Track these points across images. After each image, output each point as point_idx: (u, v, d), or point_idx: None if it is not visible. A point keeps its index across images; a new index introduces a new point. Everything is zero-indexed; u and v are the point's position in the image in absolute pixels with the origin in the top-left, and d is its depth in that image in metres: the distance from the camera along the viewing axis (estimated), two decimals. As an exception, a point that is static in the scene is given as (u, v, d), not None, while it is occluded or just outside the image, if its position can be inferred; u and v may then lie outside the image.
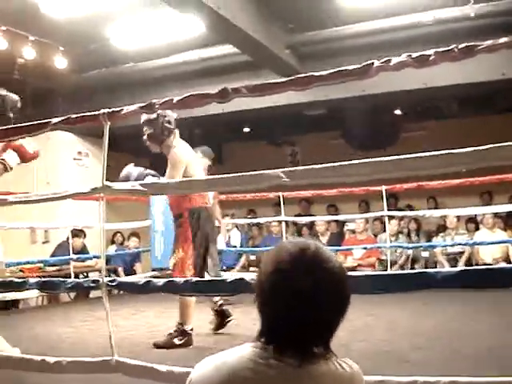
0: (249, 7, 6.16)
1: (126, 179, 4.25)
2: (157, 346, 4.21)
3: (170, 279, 2.64)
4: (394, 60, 2.44)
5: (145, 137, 4.53)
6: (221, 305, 4.72)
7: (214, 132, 9.94)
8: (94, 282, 2.79)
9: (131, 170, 4.45)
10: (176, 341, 4.23)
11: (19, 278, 3.95)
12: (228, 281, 2.51)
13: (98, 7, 6.38)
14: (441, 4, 6.38)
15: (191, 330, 4.31)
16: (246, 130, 9.83)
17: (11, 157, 4.04)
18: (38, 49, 7.21)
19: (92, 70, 8.04)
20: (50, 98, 8.32)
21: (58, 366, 2.89)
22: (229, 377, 1.24)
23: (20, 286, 2.97)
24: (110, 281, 2.75)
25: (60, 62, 7.50)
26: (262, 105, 7.41)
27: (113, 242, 9.04)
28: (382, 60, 2.45)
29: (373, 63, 2.46)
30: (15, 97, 4.18)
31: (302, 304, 1.22)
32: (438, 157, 2.22)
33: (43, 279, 3.18)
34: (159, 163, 4.66)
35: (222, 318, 4.71)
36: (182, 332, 4.26)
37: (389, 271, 6.97)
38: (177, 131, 4.55)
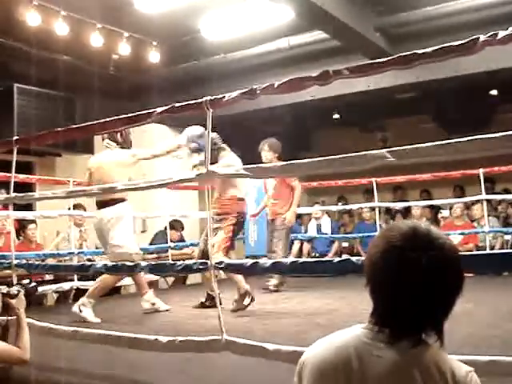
0: (337, -9, 6.11)
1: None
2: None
3: (277, 260, 2.69)
4: (501, 34, 2.37)
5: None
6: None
7: (302, 119, 9.94)
8: (202, 264, 2.88)
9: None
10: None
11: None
12: (334, 261, 2.53)
13: (188, 0, 6.52)
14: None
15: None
16: (336, 116, 9.75)
17: None
18: (132, 44, 7.44)
19: (184, 63, 8.21)
20: (145, 92, 8.57)
21: (171, 344, 3.01)
22: (341, 358, 1.25)
23: (132, 269, 3.12)
24: (217, 263, 2.83)
25: (153, 57, 7.71)
26: (350, 90, 7.36)
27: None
28: (488, 34, 2.38)
29: (478, 38, 2.39)
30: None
31: (414, 281, 1.20)
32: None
33: (153, 262, 3.31)
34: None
35: None
36: None
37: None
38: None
